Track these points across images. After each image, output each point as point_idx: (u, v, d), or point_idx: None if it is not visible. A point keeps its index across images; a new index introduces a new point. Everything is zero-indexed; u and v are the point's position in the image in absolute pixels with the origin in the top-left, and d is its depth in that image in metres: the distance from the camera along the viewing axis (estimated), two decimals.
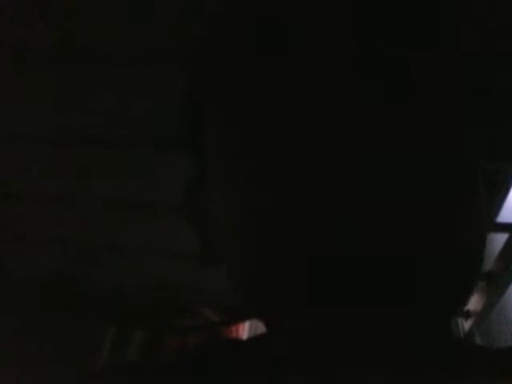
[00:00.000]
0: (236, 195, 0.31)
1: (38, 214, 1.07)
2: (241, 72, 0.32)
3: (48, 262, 1.29)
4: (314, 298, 0.27)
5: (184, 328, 1.53)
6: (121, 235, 1.13)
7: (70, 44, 0.66)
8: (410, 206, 0.27)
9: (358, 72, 0.28)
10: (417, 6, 0.31)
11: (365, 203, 0.26)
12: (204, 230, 0.38)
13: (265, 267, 0.29)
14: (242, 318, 1.50)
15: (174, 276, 1.29)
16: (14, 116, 0.79)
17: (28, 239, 1.18)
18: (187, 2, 0.58)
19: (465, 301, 0.31)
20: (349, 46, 0.29)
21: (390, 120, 0.28)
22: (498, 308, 1.13)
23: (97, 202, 1.00)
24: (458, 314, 1.20)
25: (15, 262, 1.28)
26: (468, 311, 1.20)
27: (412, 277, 0.26)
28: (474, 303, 1.15)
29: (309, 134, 0.28)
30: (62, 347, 1.37)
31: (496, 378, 0.32)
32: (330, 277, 0.26)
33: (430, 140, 0.28)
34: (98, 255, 1.24)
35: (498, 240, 0.97)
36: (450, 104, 0.31)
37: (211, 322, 1.53)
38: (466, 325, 1.22)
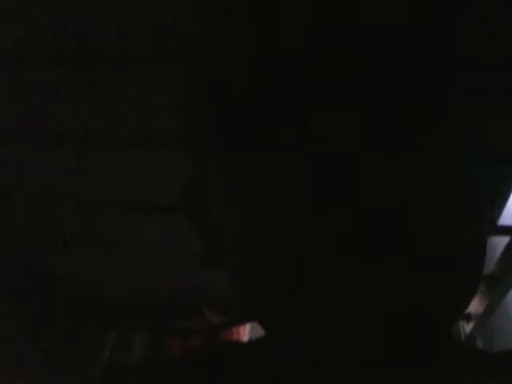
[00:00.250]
0: (235, 197, 0.31)
1: (38, 214, 1.07)
2: (239, 73, 0.32)
3: (48, 264, 1.29)
4: (312, 303, 0.27)
5: (185, 330, 1.53)
6: (121, 236, 1.13)
7: (68, 44, 0.66)
8: (410, 205, 0.27)
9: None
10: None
11: (364, 201, 0.26)
12: (204, 231, 0.38)
13: (265, 269, 0.29)
14: (242, 321, 1.50)
15: (175, 277, 1.29)
16: (12, 116, 0.80)
17: (27, 240, 1.18)
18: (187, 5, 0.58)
19: (466, 305, 0.31)
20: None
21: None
22: (499, 311, 1.13)
23: (96, 203, 1.00)
24: (460, 317, 1.20)
25: (14, 264, 1.28)
26: (469, 314, 1.20)
27: (412, 281, 0.26)
28: (475, 306, 1.15)
29: (308, 135, 0.28)
30: (62, 350, 1.37)
31: (497, 381, 0.32)
32: (328, 282, 0.26)
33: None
34: (98, 256, 1.24)
35: (500, 243, 0.96)
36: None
37: (212, 325, 1.53)
38: (467, 328, 1.22)
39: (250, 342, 0.41)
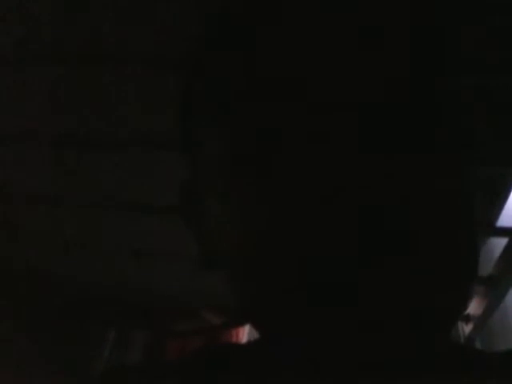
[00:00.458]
0: (235, 197, 0.31)
1: (38, 214, 1.07)
2: (237, 78, 0.32)
3: (48, 264, 1.29)
4: (312, 303, 0.27)
5: (184, 331, 1.53)
6: (121, 237, 1.13)
7: (68, 44, 0.66)
8: (410, 205, 0.27)
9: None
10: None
11: (362, 201, 0.26)
12: (202, 232, 0.37)
13: (264, 270, 0.29)
14: (242, 322, 1.50)
15: (175, 278, 1.29)
16: (11, 116, 0.80)
17: (27, 240, 1.18)
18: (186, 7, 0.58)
19: (465, 305, 0.31)
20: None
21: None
22: (499, 312, 1.13)
23: (96, 203, 1.00)
24: (459, 319, 1.20)
25: (14, 265, 1.28)
26: (468, 315, 1.20)
27: (413, 281, 0.26)
28: (474, 307, 1.15)
29: (307, 145, 0.28)
30: (62, 350, 1.37)
31: (496, 381, 0.32)
32: (328, 282, 0.26)
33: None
34: (98, 257, 1.24)
35: (498, 244, 0.96)
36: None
37: (211, 326, 1.53)
38: (467, 329, 1.22)
39: (249, 343, 0.41)
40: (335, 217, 0.26)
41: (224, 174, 0.32)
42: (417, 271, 0.26)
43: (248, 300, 0.32)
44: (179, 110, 0.40)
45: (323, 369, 0.29)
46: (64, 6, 0.60)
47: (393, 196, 0.26)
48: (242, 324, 1.54)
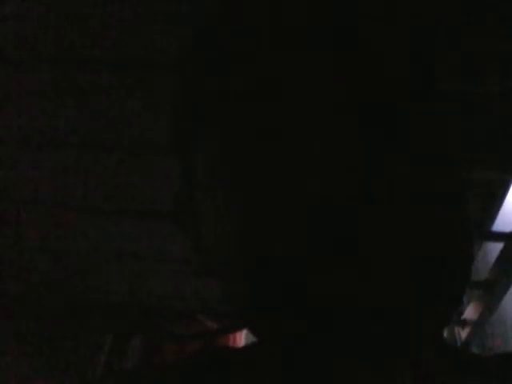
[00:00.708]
0: (231, 203, 0.31)
1: (37, 217, 1.07)
2: (230, 84, 0.32)
3: (46, 271, 1.29)
4: (306, 312, 0.27)
5: (181, 336, 1.53)
6: (118, 243, 1.13)
7: (68, 48, 0.66)
8: (406, 210, 0.27)
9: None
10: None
11: (364, 212, 0.26)
12: (196, 238, 0.37)
13: (262, 277, 0.29)
14: (239, 326, 1.49)
15: (172, 283, 1.29)
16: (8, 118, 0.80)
17: (25, 247, 1.18)
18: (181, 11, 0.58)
19: (454, 311, 0.31)
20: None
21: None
22: (495, 316, 1.13)
23: (91, 209, 1.00)
24: (455, 323, 1.20)
25: (12, 271, 1.28)
26: (465, 320, 1.20)
27: (410, 285, 0.26)
28: (471, 312, 1.15)
29: (298, 145, 0.28)
30: (59, 355, 1.37)
31: None
32: (322, 290, 0.26)
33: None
34: (95, 263, 1.24)
35: (494, 249, 0.97)
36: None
37: (209, 330, 1.52)
38: (463, 333, 1.22)
39: (246, 347, 0.41)
40: (335, 224, 0.26)
41: (215, 177, 0.32)
42: (409, 277, 0.26)
43: (245, 304, 0.31)
44: (172, 112, 0.40)
45: (319, 377, 0.29)
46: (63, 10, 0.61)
47: (389, 202, 0.27)
48: (238, 329, 1.54)
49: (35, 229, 1.11)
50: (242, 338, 1.60)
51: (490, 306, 1.07)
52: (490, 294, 1.04)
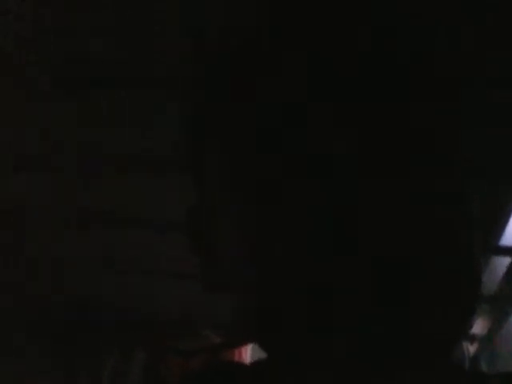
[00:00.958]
0: (237, 222, 0.31)
1: (40, 232, 1.07)
2: (241, 99, 0.32)
3: (49, 285, 1.29)
4: (316, 327, 0.27)
5: (187, 350, 1.53)
6: (122, 257, 1.13)
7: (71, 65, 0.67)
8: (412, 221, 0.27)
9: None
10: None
11: (365, 227, 0.26)
12: (208, 255, 0.37)
13: (266, 296, 0.28)
14: (244, 341, 1.49)
15: (178, 298, 1.29)
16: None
17: (29, 260, 1.18)
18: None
19: (465, 327, 0.31)
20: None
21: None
22: (503, 331, 1.13)
23: (96, 223, 1.00)
24: (463, 338, 1.19)
25: (15, 288, 1.28)
26: (473, 335, 1.19)
27: (416, 298, 0.26)
28: (479, 327, 1.14)
29: (309, 162, 0.28)
30: (64, 367, 1.37)
31: None
32: (332, 306, 0.26)
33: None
34: (99, 277, 1.24)
35: (503, 263, 0.96)
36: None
37: (214, 345, 1.52)
38: (472, 349, 1.21)
39: (252, 363, 0.41)
40: (338, 246, 0.26)
41: (228, 191, 0.32)
42: (419, 296, 0.26)
43: (258, 319, 0.31)
44: (184, 128, 0.40)
45: (323, 370, 0.29)
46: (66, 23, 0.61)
47: (393, 215, 0.26)
48: (244, 343, 1.53)
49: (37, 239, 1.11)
50: (247, 353, 1.59)
51: (499, 321, 1.06)
52: (499, 308, 1.03)
